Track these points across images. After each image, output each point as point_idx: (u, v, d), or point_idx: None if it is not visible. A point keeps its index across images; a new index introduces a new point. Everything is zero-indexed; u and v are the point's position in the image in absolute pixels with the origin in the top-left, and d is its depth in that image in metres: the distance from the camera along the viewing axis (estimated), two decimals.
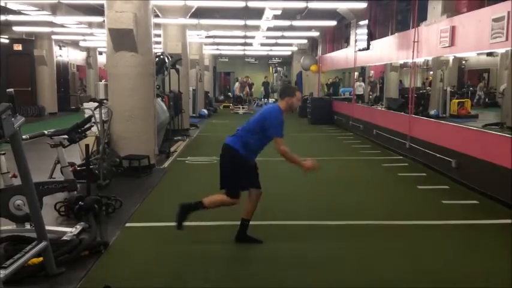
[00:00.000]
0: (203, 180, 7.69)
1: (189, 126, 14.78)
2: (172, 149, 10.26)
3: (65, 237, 4.48)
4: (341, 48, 18.80)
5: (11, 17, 14.46)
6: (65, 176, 5.40)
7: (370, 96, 22.03)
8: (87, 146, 5.84)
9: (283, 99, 4.65)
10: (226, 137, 4.70)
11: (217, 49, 26.59)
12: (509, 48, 9.58)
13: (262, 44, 23.89)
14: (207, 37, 19.82)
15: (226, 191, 4.59)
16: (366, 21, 13.23)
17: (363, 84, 21.74)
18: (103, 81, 10.84)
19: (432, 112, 15.87)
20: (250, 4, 12.33)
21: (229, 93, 30.72)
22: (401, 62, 16.42)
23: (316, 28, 19.14)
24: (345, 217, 5.68)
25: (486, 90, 22.31)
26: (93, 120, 6.86)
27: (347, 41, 18.04)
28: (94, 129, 7.17)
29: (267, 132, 4.51)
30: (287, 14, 14.85)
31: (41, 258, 3.80)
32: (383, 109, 16.43)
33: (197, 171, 8.65)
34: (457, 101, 16.91)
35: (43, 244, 3.68)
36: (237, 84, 26.57)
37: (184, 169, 8.76)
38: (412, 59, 10.19)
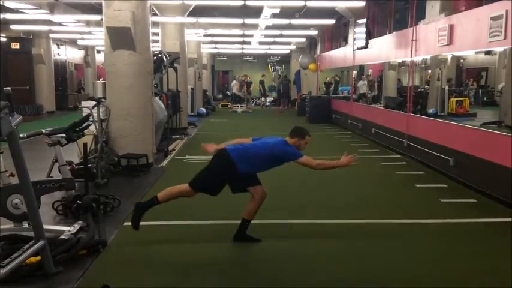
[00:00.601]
0: None
1: (187, 124, 14.75)
2: (170, 148, 10.25)
3: (62, 236, 4.47)
4: (339, 47, 18.79)
5: (9, 16, 14.41)
6: (63, 174, 5.38)
7: (369, 95, 22.01)
8: (85, 144, 5.83)
9: (292, 138, 4.65)
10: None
11: (216, 48, 26.56)
12: (507, 47, 9.60)
13: (261, 43, 23.86)
14: (205, 35, 19.79)
15: (194, 181, 4.56)
16: (364, 20, 13.22)
17: (366, 82, 21.40)
18: (101, 79, 10.82)
19: (430, 111, 15.88)
20: (249, 2, 12.32)
21: (228, 92, 30.70)
22: (400, 60, 16.41)
23: (314, 27, 19.13)
24: (343, 216, 5.68)
25: (478, 89, 22.30)
26: (91, 118, 6.85)
27: (345, 40, 18.03)
28: (92, 127, 7.17)
29: (287, 161, 4.58)
30: (285, 13, 14.83)
31: (38, 257, 3.79)
32: (381, 108, 16.44)
33: (195, 170, 8.56)
34: (455, 99, 16.92)
35: (41, 243, 3.67)
36: (234, 83, 26.44)
37: (183, 168, 8.75)
38: (411, 57, 10.19)
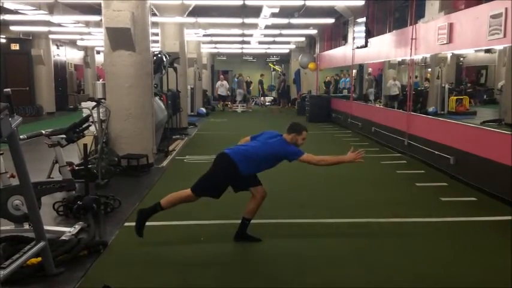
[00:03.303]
0: None
1: (187, 124, 14.77)
2: (170, 148, 10.25)
3: (63, 237, 4.48)
4: (339, 46, 18.79)
5: (8, 17, 14.41)
6: (63, 175, 5.38)
7: (368, 93, 21.93)
8: (85, 145, 5.84)
9: (289, 134, 4.67)
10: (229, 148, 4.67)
11: (215, 47, 26.54)
12: (507, 45, 9.59)
13: (260, 42, 23.85)
14: (204, 35, 19.79)
15: (195, 186, 4.56)
16: (364, 19, 13.22)
17: (398, 83, 18.35)
18: (101, 80, 10.81)
19: (430, 109, 15.90)
20: (248, 2, 12.31)
21: (228, 92, 30.60)
22: (400, 59, 16.41)
23: (314, 26, 19.11)
24: (343, 215, 5.68)
25: (477, 90, 22.32)
26: (91, 119, 6.86)
27: (345, 39, 18.03)
28: (92, 128, 7.16)
29: (289, 160, 4.57)
30: (285, 12, 14.83)
31: (39, 258, 3.79)
32: (381, 106, 16.44)
33: (196, 170, 8.58)
34: (455, 98, 16.94)
35: (42, 244, 3.68)
36: (219, 83, 24.51)
37: (183, 168, 8.76)
38: (410, 56, 10.19)
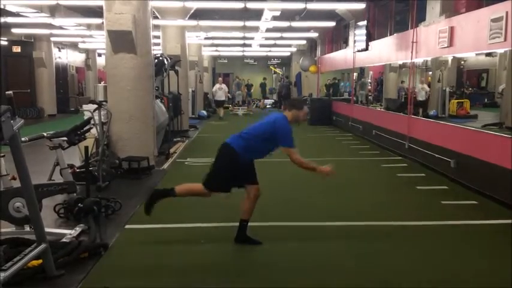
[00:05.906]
0: None
1: (188, 127, 14.79)
2: (171, 151, 10.26)
3: (64, 239, 4.49)
4: (340, 49, 18.82)
5: (10, 19, 14.47)
6: (64, 178, 5.40)
7: (369, 95, 21.96)
8: (86, 147, 5.85)
9: (290, 110, 4.64)
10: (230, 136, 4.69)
11: (216, 50, 26.58)
12: (507, 49, 9.61)
13: (261, 45, 23.90)
14: (206, 38, 19.84)
15: (205, 181, 4.58)
16: (365, 22, 13.25)
17: (427, 87, 17.08)
18: (102, 83, 10.84)
19: (431, 112, 15.91)
20: (249, 5, 12.34)
21: (229, 95, 30.52)
22: (400, 62, 16.43)
23: (315, 29, 19.17)
24: (343, 218, 5.68)
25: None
26: (92, 122, 6.87)
27: (346, 42, 18.06)
28: (93, 131, 7.19)
29: (278, 142, 4.50)
30: (286, 15, 14.88)
31: (40, 261, 3.80)
32: (382, 110, 16.46)
33: (197, 172, 8.61)
34: (456, 101, 16.95)
35: (42, 246, 3.68)
36: (218, 86, 20.75)
37: (184, 170, 8.76)
38: (411, 59, 10.20)
